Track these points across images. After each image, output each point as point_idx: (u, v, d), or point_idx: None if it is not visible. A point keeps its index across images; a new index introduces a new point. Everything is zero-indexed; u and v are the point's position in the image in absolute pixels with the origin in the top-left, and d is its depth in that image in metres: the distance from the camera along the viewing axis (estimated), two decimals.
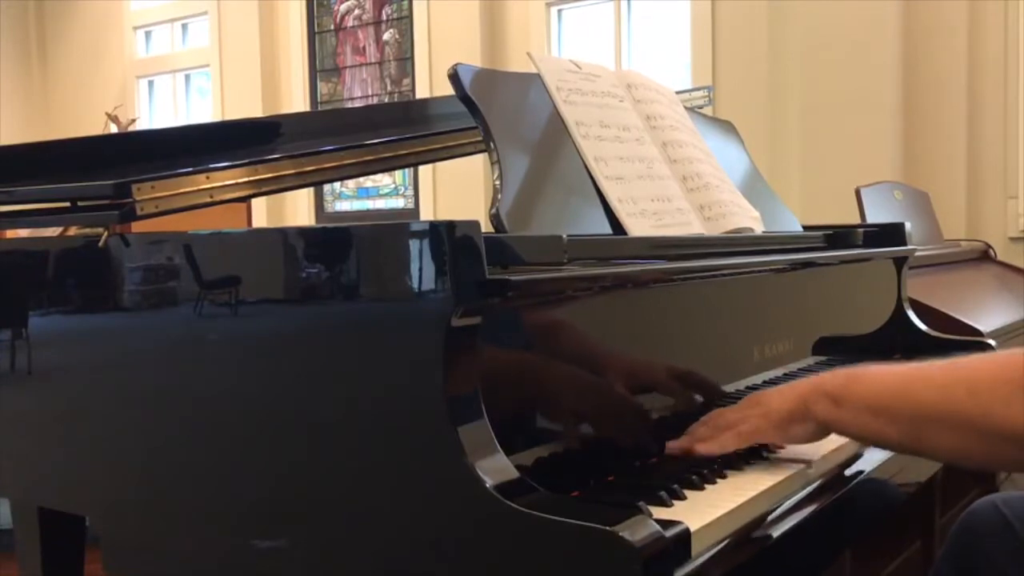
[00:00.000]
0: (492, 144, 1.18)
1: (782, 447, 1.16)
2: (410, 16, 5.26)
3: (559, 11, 4.82)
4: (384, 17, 5.41)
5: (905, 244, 1.86)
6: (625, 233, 1.27)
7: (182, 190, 1.26)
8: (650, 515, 0.85)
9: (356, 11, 5.50)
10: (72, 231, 1.45)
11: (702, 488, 1.00)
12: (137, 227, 1.31)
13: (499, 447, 0.89)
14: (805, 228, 1.83)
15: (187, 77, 6.27)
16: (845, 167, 3.53)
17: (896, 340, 1.83)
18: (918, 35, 3.69)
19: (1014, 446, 0.94)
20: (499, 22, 4.90)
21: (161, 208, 1.24)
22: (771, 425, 1.10)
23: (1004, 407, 0.93)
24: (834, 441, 1.22)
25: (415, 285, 0.92)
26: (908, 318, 1.86)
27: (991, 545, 1.22)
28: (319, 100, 5.61)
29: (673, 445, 1.13)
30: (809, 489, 1.08)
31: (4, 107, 6.34)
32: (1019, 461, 1.01)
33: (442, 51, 5.05)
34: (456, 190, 4.96)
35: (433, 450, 0.89)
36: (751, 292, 1.41)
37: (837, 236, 1.80)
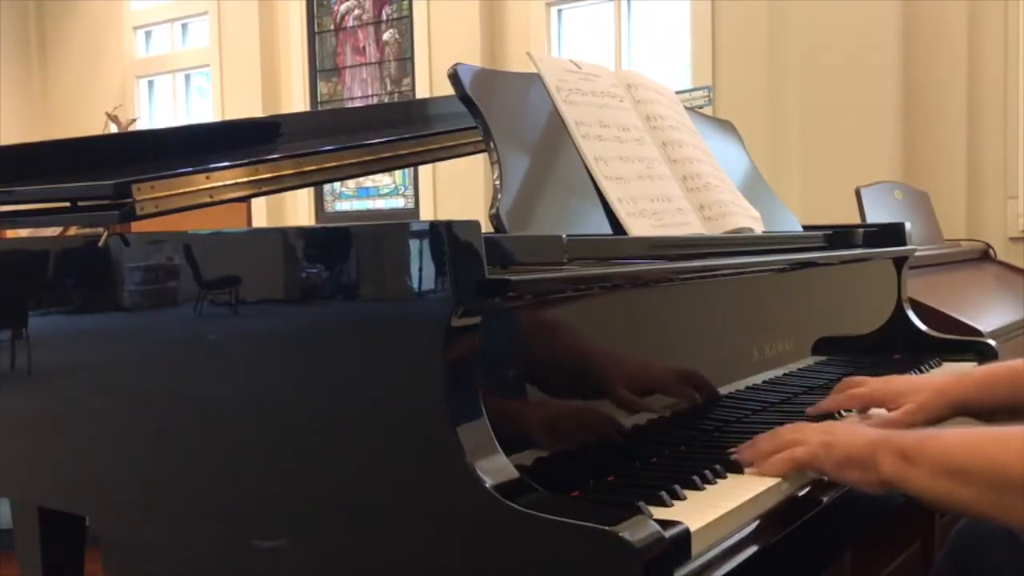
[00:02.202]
0: (492, 144, 1.18)
1: None
2: (410, 16, 5.26)
3: (559, 11, 4.82)
4: (384, 17, 5.41)
5: (905, 244, 1.86)
6: (625, 233, 1.27)
7: (182, 190, 1.26)
8: (650, 515, 0.85)
9: (356, 11, 5.50)
10: (72, 231, 1.45)
11: (702, 488, 1.00)
12: (137, 227, 1.31)
13: (499, 447, 0.89)
14: (805, 228, 1.83)
15: (187, 77, 6.27)
16: (845, 167, 3.53)
17: (896, 340, 1.83)
18: (918, 35, 3.69)
19: None
20: (499, 22, 4.90)
21: (161, 208, 1.24)
22: (830, 460, 1.06)
23: None
24: None
25: (415, 285, 0.92)
26: (908, 318, 1.86)
27: (991, 547, 1.22)
28: (319, 100, 5.61)
29: (739, 455, 1.10)
30: (809, 489, 1.08)
31: (4, 107, 6.34)
32: None
33: (442, 51, 5.05)
34: (456, 190, 4.96)
35: (433, 450, 0.89)
36: (751, 292, 1.41)
37: (837, 236, 1.79)
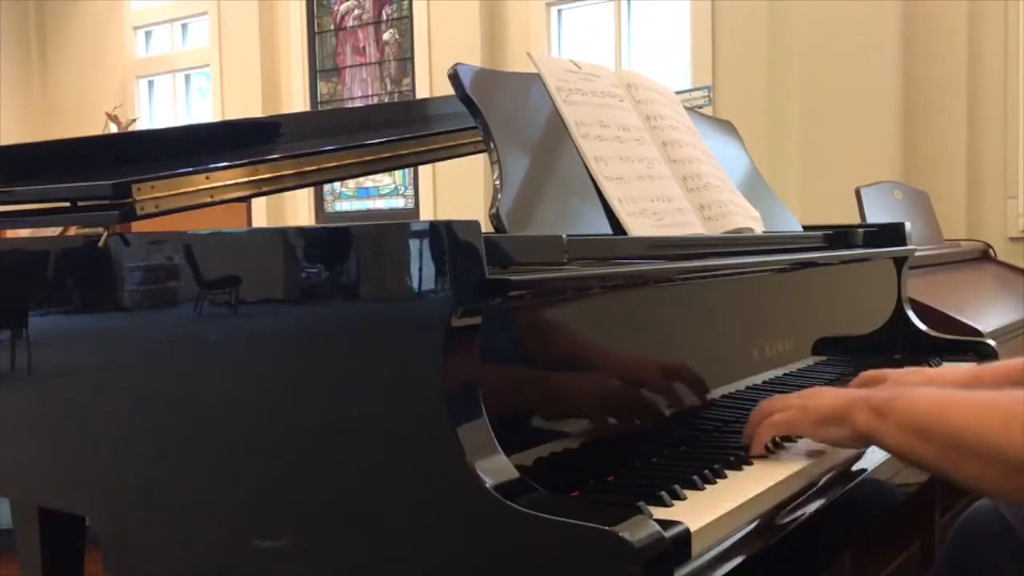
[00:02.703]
0: (492, 144, 1.18)
1: (794, 440, 1.18)
2: (410, 16, 5.26)
3: (559, 11, 4.82)
4: (384, 17, 5.41)
5: (905, 244, 1.86)
6: (625, 233, 1.27)
7: (182, 190, 1.26)
8: (650, 515, 0.85)
9: (356, 11, 5.50)
10: (72, 231, 1.45)
11: (702, 488, 1.00)
12: (137, 227, 1.31)
13: (499, 447, 0.89)
14: (805, 228, 1.83)
15: (187, 77, 6.27)
16: (845, 167, 3.53)
17: (896, 340, 1.83)
18: (918, 35, 3.69)
19: None
20: (499, 22, 4.90)
21: (161, 208, 1.24)
22: (808, 420, 1.11)
23: None
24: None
25: (415, 285, 0.92)
26: (908, 318, 1.86)
27: (991, 547, 1.22)
28: (319, 100, 5.61)
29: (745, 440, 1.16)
30: (810, 490, 1.08)
31: (4, 107, 6.34)
32: None
33: (442, 51, 5.05)
34: (456, 190, 4.96)
35: (433, 450, 0.89)
36: (751, 292, 1.41)
37: (837, 236, 1.79)
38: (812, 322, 1.61)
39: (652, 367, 1.19)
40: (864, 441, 1.09)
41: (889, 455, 1.22)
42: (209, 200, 1.31)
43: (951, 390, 1.10)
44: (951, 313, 2.15)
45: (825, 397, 1.12)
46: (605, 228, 1.27)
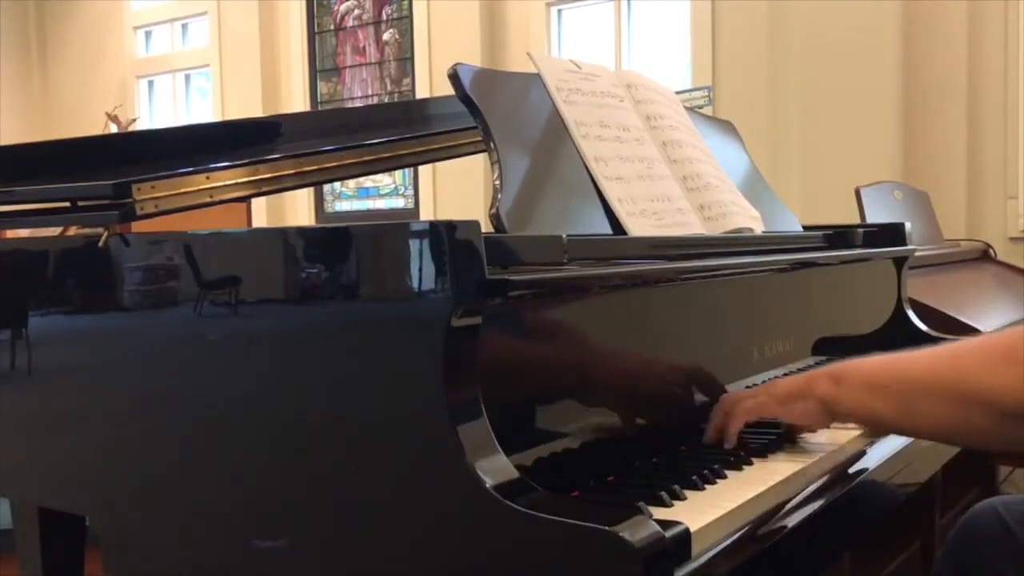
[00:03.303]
0: (492, 144, 1.18)
1: (794, 441, 1.20)
2: (410, 16, 5.26)
3: (559, 11, 4.82)
4: (384, 17, 5.41)
5: (905, 244, 1.86)
6: (625, 233, 1.27)
7: (182, 190, 1.26)
8: (650, 515, 0.85)
9: (356, 11, 5.50)
10: (72, 231, 1.45)
11: (702, 488, 1.00)
12: (137, 227, 1.31)
13: (499, 447, 0.89)
14: (805, 228, 1.83)
15: (187, 77, 6.26)
16: (845, 167, 3.53)
17: (896, 340, 1.83)
18: (918, 35, 3.69)
19: (993, 414, 0.99)
20: (499, 22, 4.90)
21: (161, 208, 1.24)
22: (774, 400, 1.16)
23: (986, 373, 0.98)
24: (838, 438, 1.22)
25: (415, 285, 0.92)
26: (908, 318, 1.86)
27: (991, 547, 1.22)
28: (319, 100, 5.61)
29: (707, 439, 1.19)
30: (809, 490, 1.08)
31: (4, 107, 6.34)
32: (1000, 435, 1.04)
33: (442, 51, 5.05)
34: (456, 190, 4.96)
35: (433, 450, 0.89)
36: (751, 292, 1.41)
37: (837, 236, 1.79)
38: (812, 322, 1.61)
39: (652, 367, 1.19)
40: (827, 412, 1.13)
41: (887, 458, 1.22)
42: (209, 200, 1.31)
43: (900, 352, 1.15)
44: (951, 313, 2.15)
45: (788, 379, 1.20)
46: (605, 228, 1.27)
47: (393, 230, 0.95)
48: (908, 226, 1.88)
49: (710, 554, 0.89)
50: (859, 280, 1.79)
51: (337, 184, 5.52)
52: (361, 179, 5.23)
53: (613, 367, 1.12)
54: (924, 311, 2.00)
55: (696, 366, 1.26)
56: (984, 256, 3.20)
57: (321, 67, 5.61)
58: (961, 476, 2.19)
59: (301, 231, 1.07)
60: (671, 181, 1.42)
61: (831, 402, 1.12)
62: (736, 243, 1.46)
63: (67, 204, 1.28)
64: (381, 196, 5.49)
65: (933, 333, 1.85)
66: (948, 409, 1.02)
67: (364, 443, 0.95)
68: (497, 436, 0.90)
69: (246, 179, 1.37)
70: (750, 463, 1.10)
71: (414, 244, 0.92)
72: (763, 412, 1.17)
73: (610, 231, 1.27)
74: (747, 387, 1.36)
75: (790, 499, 1.04)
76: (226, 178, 1.34)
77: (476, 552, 0.87)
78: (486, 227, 0.96)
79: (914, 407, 1.05)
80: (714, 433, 1.18)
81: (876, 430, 1.22)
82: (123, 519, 1.23)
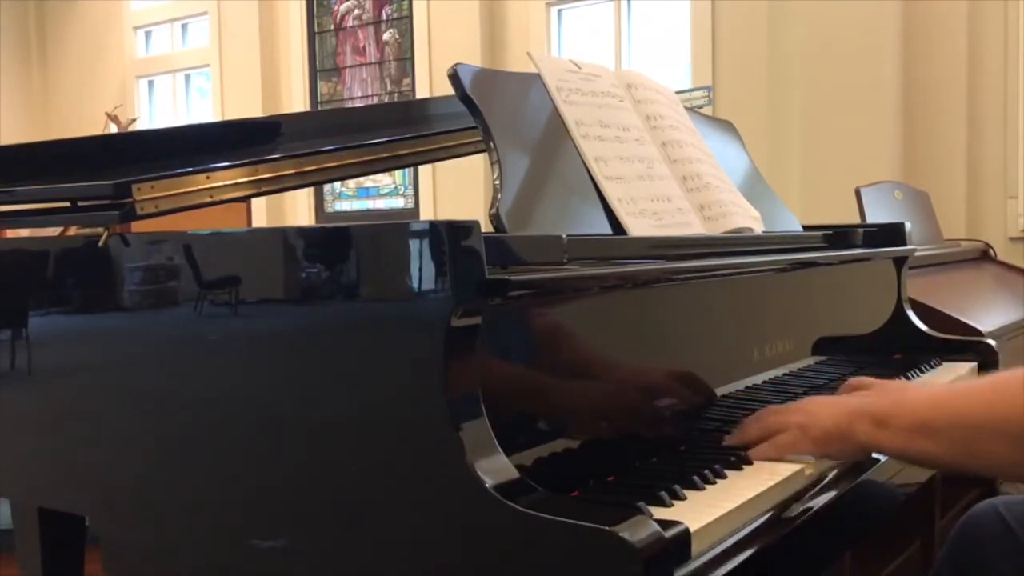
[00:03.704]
0: (492, 144, 1.18)
1: None
2: (410, 16, 5.26)
3: (559, 11, 4.82)
4: (384, 17, 5.41)
5: (905, 244, 1.86)
6: (625, 233, 1.27)
7: (182, 190, 1.26)
8: (650, 515, 0.85)
9: (356, 11, 5.50)
10: (72, 231, 1.45)
11: (702, 488, 1.00)
12: (137, 227, 1.31)
13: (499, 447, 0.89)
14: (805, 228, 1.83)
15: (187, 77, 6.27)
16: (845, 167, 3.53)
17: (896, 340, 1.83)
18: (918, 35, 3.69)
19: None
20: (499, 22, 4.90)
21: (161, 208, 1.24)
22: (809, 440, 1.10)
23: None
24: None
25: (415, 285, 0.92)
26: (908, 318, 1.86)
27: (991, 547, 1.22)
28: (319, 100, 5.61)
29: (728, 440, 1.16)
30: (810, 490, 1.08)
31: (4, 107, 6.34)
32: None
33: (442, 51, 5.05)
34: (456, 190, 4.96)
35: (433, 450, 0.89)
36: (751, 292, 1.41)
37: (837, 236, 1.79)
38: (812, 322, 1.61)
39: (651, 367, 1.19)
40: (867, 453, 1.10)
41: (887, 458, 1.22)
42: (209, 200, 1.31)
43: (945, 385, 1.11)
44: (951, 313, 2.15)
45: (823, 413, 1.12)
46: (605, 228, 1.27)
47: (393, 230, 0.95)
48: (908, 226, 1.88)
49: (710, 554, 0.89)
50: (859, 280, 1.79)
51: (337, 184, 5.52)
52: (361, 179, 5.23)
53: (613, 367, 1.12)
54: (924, 311, 2.00)
55: (695, 366, 1.26)
56: (984, 256, 3.20)
57: (321, 67, 5.61)
58: (961, 476, 2.19)
59: (301, 231, 1.07)
60: (671, 181, 1.42)
61: (874, 446, 1.08)
62: (736, 243, 1.46)
63: (67, 204, 1.28)
64: (381, 196, 5.49)
65: (933, 333, 1.85)
66: (1011, 448, 0.98)
67: (364, 443, 0.95)
68: (497, 436, 0.90)
69: (246, 179, 1.37)
70: (750, 463, 1.10)
71: (414, 244, 0.92)
72: (794, 452, 1.11)
73: (610, 231, 1.27)
74: (747, 387, 1.36)
75: (790, 499, 1.04)
76: (226, 178, 1.34)
77: (476, 552, 0.87)
78: (486, 227, 0.96)
79: (972, 448, 1.00)
80: (741, 441, 1.14)
81: (920, 466, 1.18)
82: (123, 519, 1.23)
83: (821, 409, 1.13)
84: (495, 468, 0.87)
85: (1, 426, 1.38)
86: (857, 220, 2.54)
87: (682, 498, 0.96)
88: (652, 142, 1.45)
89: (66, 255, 1.31)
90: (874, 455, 1.19)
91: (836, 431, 1.09)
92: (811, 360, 1.56)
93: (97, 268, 1.24)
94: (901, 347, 1.83)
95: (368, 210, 5.53)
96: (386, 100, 5.39)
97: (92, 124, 5.46)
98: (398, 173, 5.36)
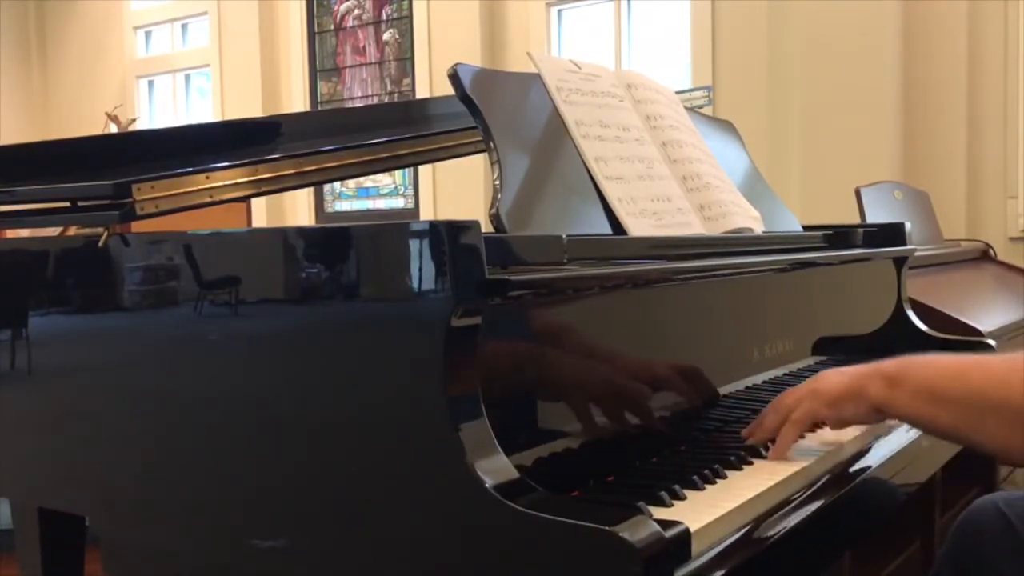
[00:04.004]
0: (492, 144, 1.18)
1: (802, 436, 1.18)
2: (410, 16, 5.25)
3: (559, 11, 4.81)
4: (384, 17, 5.41)
5: (905, 244, 1.86)
6: (625, 233, 1.27)
7: (182, 190, 1.26)
8: (650, 515, 0.85)
9: (356, 11, 5.50)
10: (72, 231, 1.45)
11: (702, 488, 1.00)
12: (137, 227, 1.31)
13: (499, 447, 0.89)
14: (805, 228, 1.83)
15: (187, 77, 6.26)
16: (845, 167, 3.53)
17: (896, 340, 1.83)
18: (918, 35, 3.69)
19: None
20: (499, 22, 4.90)
21: (161, 208, 1.24)
22: (823, 404, 1.12)
23: None
24: (838, 438, 1.22)
25: (415, 285, 0.92)
26: (908, 318, 1.86)
27: (991, 545, 1.22)
28: (319, 100, 5.60)
29: (750, 436, 1.16)
30: (810, 489, 1.08)
31: (4, 107, 6.34)
32: None
33: (442, 51, 5.05)
34: (456, 190, 4.96)
35: (433, 450, 0.89)
36: (751, 292, 1.41)
37: (837, 236, 1.80)
38: (812, 322, 1.61)
39: (652, 367, 1.19)
40: (878, 413, 1.09)
41: (887, 458, 1.22)
42: (209, 200, 1.31)
43: (961, 355, 1.10)
44: (951, 313, 2.15)
45: (834, 379, 1.13)
46: (605, 228, 1.27)
47: (393, 230, 0.95)
48: (908, 226, 1.88)
49: (710, 554, 0.89)
50: (859, 280, 1.79)
51: (337, 184, 5.52)
52: (361, 179, 5.23)
53: (613, 367, 1.12)
54: (924, 311, 2.00)
55: (696, 366, 1.26)
56: (984, 256, 3.20)
57: (321, 67, 5.61)
58: (961, 476, 2.19)
59: (301, 231, 1.07)
60: (671, 181, 1.42)
61: (884, 405, 1.08)
62: (736, 243, 1.46)
63: (67, 204, 1.28)
64: (381, 196, 5.49)
65: (933, 333, 1.85)
66: (1010, 429, 0.97)
67: (364, 443, 0.95)
68: (497, 436, 0.90)
69: (246, 179, 1.37)
70: (750, 463, 1.10)
71: (414, 244, 0.92)
72: (815, 418, 1.13)
73: (610, 231, 1.27)
74: (747, 387, 1.36)
75: (790, 499, 1.05)
76: (226, 178, 1.34)
77: (476, 552, 0.87)
78: (486, 227, 0.96)
79: (981, 424, 1.00)
80: (760, 434, 1.14)
81: (929, 433, 1.17)
82: (123, 519, 1.23)
83: (832, 375, 1.14)
84: (495, 468, 0.87)
85: (1, 426, 1.38)
86: (857, 220, 2.54)
87: (682, 498, 0.96)
88: (652, 142, 1.45)
89: (66, 255, 1.31)
90: (869, 453, 1.19)
91: (848, 391, 1.10)
92: (811, 360, 1.57)
93: (97, 268, 1.24)
94: (901, 347, 1.82)
95: (368, 210, 5.52)
96: (386, 100, 5.38)
97: (92, 124, 5.46)
98: (398, 173, 5.36)
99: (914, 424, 1.11)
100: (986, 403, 0.99)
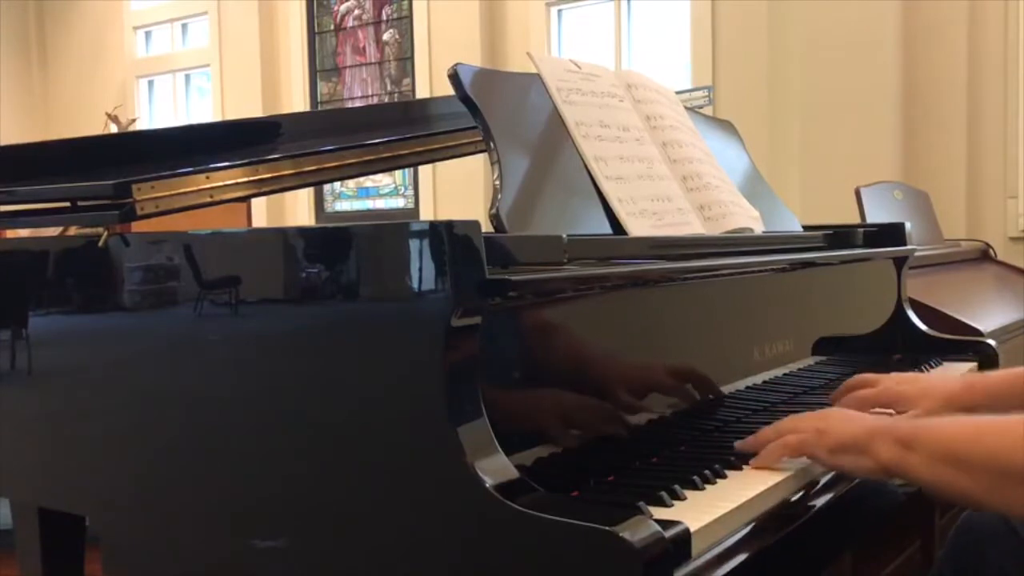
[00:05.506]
0: (492, 144, 1.18)
1: None
2: (410, 16, 5.26)
3: (559, 11, 4.82)
4: (384, 17, 5.41)
5: (905, 244, 1.86)
6: (625, 233, 1.27)
7: (182, 190, 1.26)
8: (650, 515, 0.85)
9: (356, 11, 5.50)
10: (72, 231, 1.45)
11: (702, 488, 1.00)
12: (137, 227, 1.31)
13: (499, 447, 0.89)
14: (805, 228, 1.83)
15: (187, 77, 6.27)
16: (845, 167, 3.53)
17: (896, 340, 1.83)
18: (918, 35, 3.69)
19: None
20: (499, 22, 4.90)
21: (161, 208, 1.24)
22: (823, 448, 1.06)
23: None
24: None
25: (415, 285, 0.92)
26: (908, 318, 1.86)
27: (991, 545, 1.22)
28: (319, 100, 5.61)
29: (740, 444, 1.12)
30: (810, 490, 1.08)
31: (4, 107, 6.34)
32: None
33: (442, 51, 5.05)
34: (456, 190, 4.96)
35: (433, 450, 0.89)
36: (751, 292, 1.41)
37: (837, 236, 1.80)
38: (812, 322, 1.61)
39: (652, 366, 1.19)
40: (887, 473, 1.04)
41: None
42: (209, 200, 1.31)
43: (979, 417, 1.06)
44: (951, 313, 2.15)
45: (843, 424, 1.08)
46: (605, 228, 1.27)
47: (393, 230, 0.95)
48: (908, 226, 1.88)
49: (710, 554, 0.89)
50: (859, 280, 1.79)
51: (337, 184, 5.52)
52: (361, 179, 5.23)
53: (613, 367, 1.12)
54: (924, 311, 2.00)
55: (695, 366, 1.26)
56: (984, 256, 3.20)
57: (321, 67, 5.61)
58: None
59: (301, 231, 1.07)
60: (671, 181, 1.42)
61: (896, 468, 1.01)
62: (736, 243, 1.46)
63: (67, 204, 1.28)
64: (381, 196, 5.49)
65: (933, 333, 1.85)
66: None
67: (364, 443, 0.95)
68: (497, 436, 0.90)
69: (246, 179, 1.37)
70: (750, 463, 1.10)
71: (414, 244, 0.92)
72: (807, 453, 1.08)
73: (610, 231, 1.27)
74: (747, 387, 1.36)
75: (790, 499, 1.04)
76: (226, 178, 1.34)
77: (476, 552, 0.87)
78: (486, 227, 0.96)
79: (1008, 492, 0.94)
80: (753, 447, 1.10)
81: (940, 497, 1.10)
82: (123, 519, 1.23)
83: (841, 419, 1.09)
84: (495, 468, 0.87)
85: (1, 426, 1.38)
86: (857, 220, 2.54)
87: (682, 498, 0.96)
88: (652, 142, 1.45)
89: (66, 255, 1.31)
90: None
91: (853, 444, 1.04)
92: (811, 360, 1.57)
93: (97, 268, 1.24)
94: (901, 347, 1.83)
95: (368, 210, 5.53)
96: (386, 100, 5.38)
97: (92, 124, 5.46)
98: (398, 173, 5.36)
99: (927, 488, 1.04)
100: (1011, 469, 0.93)
